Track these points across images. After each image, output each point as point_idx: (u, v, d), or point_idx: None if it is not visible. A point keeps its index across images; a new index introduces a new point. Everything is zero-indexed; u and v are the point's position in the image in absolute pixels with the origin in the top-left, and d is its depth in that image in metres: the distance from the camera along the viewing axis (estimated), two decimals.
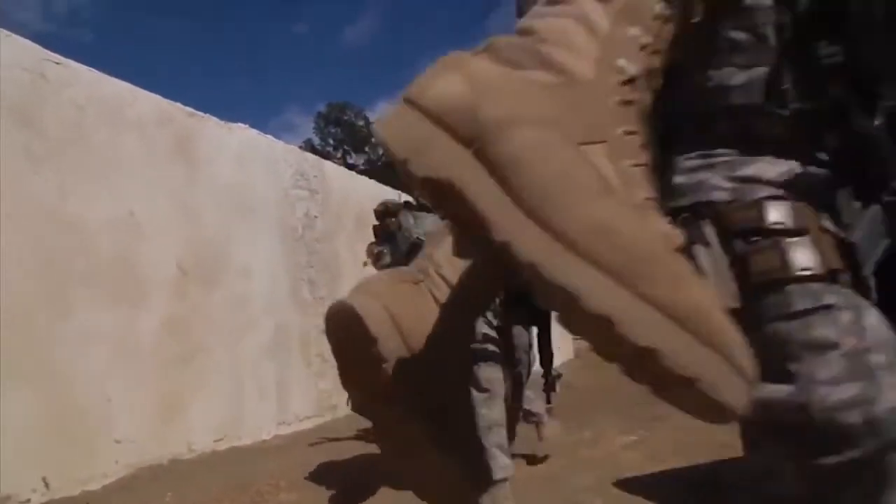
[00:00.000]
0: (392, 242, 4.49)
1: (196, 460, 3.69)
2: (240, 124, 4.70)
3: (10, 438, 2.78)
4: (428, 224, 1.97)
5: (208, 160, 4.23)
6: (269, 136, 5.05)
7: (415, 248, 1.72)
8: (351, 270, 5.35)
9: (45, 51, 3.28)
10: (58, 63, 3.33)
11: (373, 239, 4.82)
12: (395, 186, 5.91)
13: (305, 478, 3.37)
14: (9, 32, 3.08)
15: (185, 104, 4.15)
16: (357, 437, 4.36)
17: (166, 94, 4.01)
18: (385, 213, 4.86)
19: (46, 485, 2.91)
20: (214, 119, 4.42)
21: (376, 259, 4.66)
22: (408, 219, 1.91)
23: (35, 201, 3.05)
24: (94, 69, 3.55)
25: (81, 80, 3.44)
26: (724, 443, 3.55)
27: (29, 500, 2.83)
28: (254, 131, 4.85)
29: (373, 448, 4.12)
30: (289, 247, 5.03)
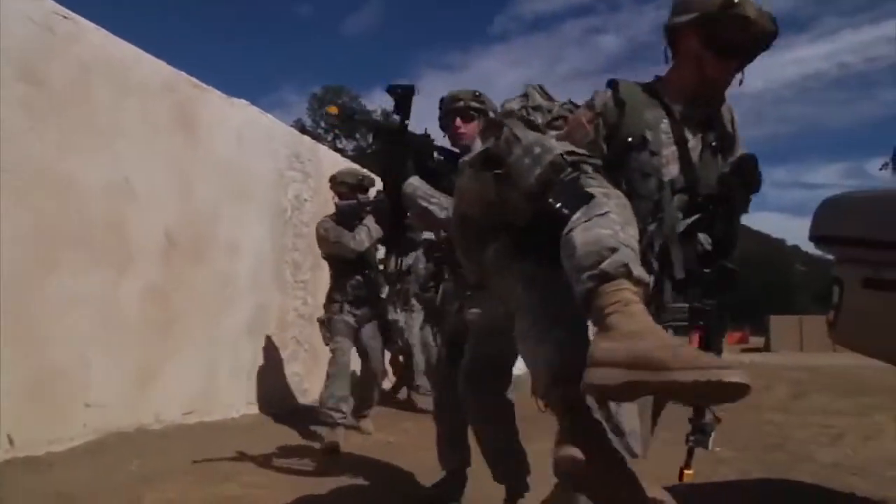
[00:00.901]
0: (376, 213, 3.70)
1: (163, 431, 3.67)
2: (242, 100, 4.67)
3: None
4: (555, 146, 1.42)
5: (208, 133, 4.20)
6: (269, 115, 5.03)
7: (557, 168, 1.33)
8: None
9: (55, 4, 3.22)
10: (66, 17, 3.27)
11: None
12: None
13: (271, 461, 3.38)
14: None
15: (170, 61, 3.99)
16: (324, 424, 4.35)
17: (158, 53, 3.89)
18: (358, 186, 4.24)
19: (11, 442, 2.88)
20: (217, 92, 4.39)
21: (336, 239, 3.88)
22: (527, 134, 1.40)
23: (31, 158, 3.00)
24: (101, 28, 3.50)
25: (89, 38, 3.38)
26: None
27: None
28: (255, 108, 4.81)
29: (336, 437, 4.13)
30: (277, 228, 5.01)
